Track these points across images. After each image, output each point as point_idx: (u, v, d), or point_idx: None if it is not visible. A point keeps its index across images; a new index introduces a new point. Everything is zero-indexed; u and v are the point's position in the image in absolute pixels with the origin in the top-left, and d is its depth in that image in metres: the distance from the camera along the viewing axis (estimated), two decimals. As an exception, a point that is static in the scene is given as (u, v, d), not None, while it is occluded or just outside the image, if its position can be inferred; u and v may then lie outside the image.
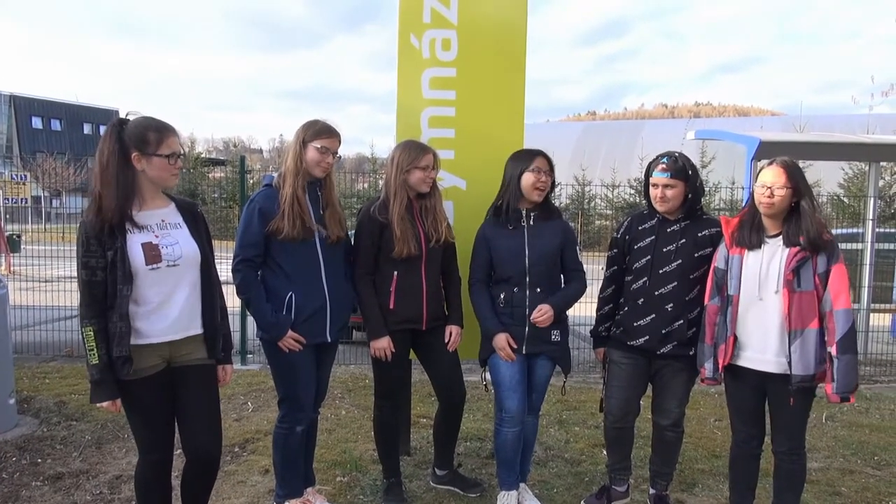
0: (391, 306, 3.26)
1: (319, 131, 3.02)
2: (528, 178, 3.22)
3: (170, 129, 2.50)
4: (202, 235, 2.65)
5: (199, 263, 2.60)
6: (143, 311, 2.45)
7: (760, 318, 2.86)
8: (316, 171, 3.03)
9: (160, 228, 2.53)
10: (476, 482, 3.67)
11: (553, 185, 3.34)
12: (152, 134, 2.44)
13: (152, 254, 2.45)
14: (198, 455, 2.66)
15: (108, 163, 2.40)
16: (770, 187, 2.79)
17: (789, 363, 2.77)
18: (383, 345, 3.25)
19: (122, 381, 2.43)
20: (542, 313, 3.17)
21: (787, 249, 2.79)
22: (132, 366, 2.42)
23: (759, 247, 2.86)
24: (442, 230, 3.29)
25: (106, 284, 2.39)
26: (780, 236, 2.84)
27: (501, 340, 3.20)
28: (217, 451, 2.73)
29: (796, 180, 2.78)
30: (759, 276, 2.84)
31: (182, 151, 2.56)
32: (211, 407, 2.69)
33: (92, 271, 2.38)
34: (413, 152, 3.25)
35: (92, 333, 2.37)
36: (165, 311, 2.50)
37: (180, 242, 2.54)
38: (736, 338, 2.93)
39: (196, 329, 2.60)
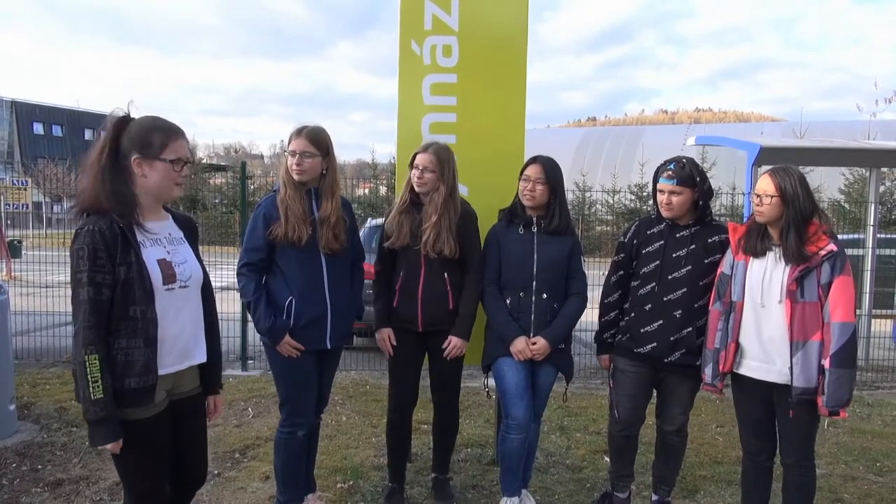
0: (394, 304, 3.34)
1: (289, 136, 3.05)
2: (520, 187, 3.26)
3: (177, 131, 2.24)
4: (198, 253, 2.44)
5: (202, 284, 2.39)
6: None
7: (763, 326, 2.83)
8: (293, 175, 3.01)
9: (169, 243, 2.28)
10: (447, 496, 3.57)
11: (554, 194, 3.26)
12: (157, 135, 2.18)
13: (168, 272, 2.20)
14: (189, 485, 2.50)
15: (97, 158, 2.14)
16: (760, 196, 2.78)
17: (791, 375, 2.75)
18: (383, 335, 3.35)
19: (128, 420, 2.13)
20: (538, 348, 3.18)
21: None
22: (154, 396, 2.18)
23: (765, 254, 2.84)
24: (434, 242, 3.20)
25: (110, 304, 2.09)
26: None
27: (521, 343, 3.18)
28: (204, 477, 2.59)
29: (784, 190, 2.73)
30: (763, 284, 2.82)
31: (190, 158, 2.31)
32: (204, 439, 2.53)
33: (98, 288, 2.07)
34: (415, 150, 3.34)
35: (97, 362, 2.04)
36: (174, 339, 2.24)
37: (188, 261, 2.32)
38: (738, 345, 2.91)
39: (200, 358, 2.38)
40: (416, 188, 3.28)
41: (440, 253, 3.22)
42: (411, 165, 3.31)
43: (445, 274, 3.30)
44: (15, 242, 15.66)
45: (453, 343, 3.32)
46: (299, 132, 3.01)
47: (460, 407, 5.27)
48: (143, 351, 2.13)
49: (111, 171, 2.14)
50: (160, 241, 2.25)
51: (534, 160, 3.28)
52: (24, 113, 51.23)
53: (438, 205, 3.22)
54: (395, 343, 3.33)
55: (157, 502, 2.32)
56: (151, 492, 2.28)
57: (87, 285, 2.07)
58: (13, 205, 21.40)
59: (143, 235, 2.19)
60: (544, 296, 3.22)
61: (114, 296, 2.10)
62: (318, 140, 3.01)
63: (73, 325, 2.12)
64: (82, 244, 2.08)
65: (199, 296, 2.37)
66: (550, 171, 3.24)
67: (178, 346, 2.27)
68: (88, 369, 2.04)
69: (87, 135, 55.32)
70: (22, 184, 23.62)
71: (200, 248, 2.55)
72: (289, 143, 3.05)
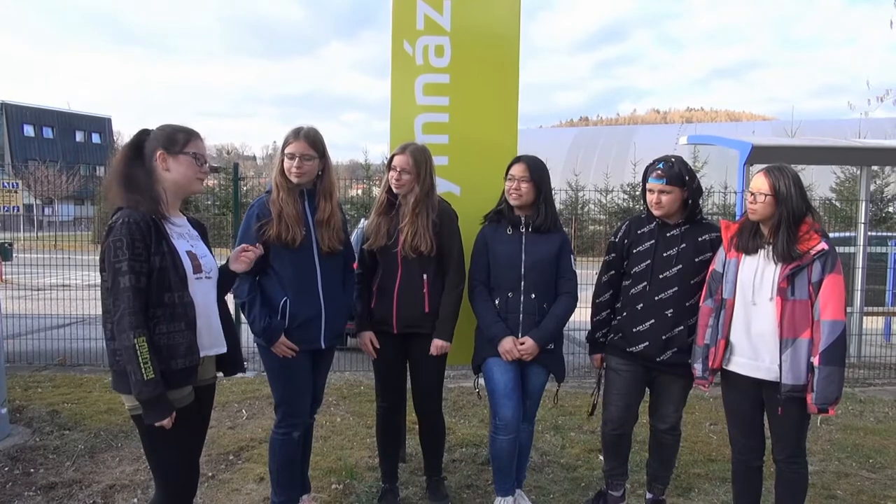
0: (372, 305, 3.35)
1: (287, 137, 3.05)
2: (505, 186, 3.26)
3: (197, 133, 2.48)
4: (211, 251, 2.60)
5: (217, 279, 2.56)
6: None
7: (754, 323, 2.84)
8: (291, 177, 3.02)
9: (190, 238, 2.46)
10: (441, 496, 3.57)
11: (538, 192, 3.24)
12: (180, 134, 2.43)
13: (195, 262, 2.38)
14: None
15: (120, 162, 2.35)
16: (754, 193, 2.81)
17: (780, 372, 2.76)
18: (364, 339, 3.35)
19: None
20: (526, 348, 3.17)
21: None
22: (197, 375, 2.36)
23: (756, 252, 2.85)
24: (412, 239, 3.19)
25: (147, 292, 2.22)
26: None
27: (508, 343, 3.17)
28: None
29: (778, 190, 2.75)
30: (754, 282, 2.83)
31: (208, 158, 2.53)
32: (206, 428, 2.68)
33: (138, 276, 2.18)
34: (393, 152, 3.33)
35: (146, 345, 2.15)
36: (206, 326, 2.41)
37: (207, 255, 2.50)
38: (728, 342, 2.93)
39: (220, 347, 2.52)
40: (395, 189, 3.28)
41: (417, 250, 3.20)
42: (389, 167, 3.30)
43: (424, 275, 3.28)
44: (6, 245, 15.56)
45: (436, 345, 3.30)
46: (297, 134, 3.01)
47: (454, 407, 5.31)
48: (185, 333, 2.28)
49: (133, 165, 2.34)
50: (184, 235, 2.43)
51: (518, 159, 3.30)
52: (15, 115, 50.93)
53: (414, 205, 3.23)
54: (377, 346, 3.33)
55: (191, 494, 2.47)
56: (189, 480, 2.45)
57: (128, 273, 2.17)
58: (4, 207, 21.26)
59: (171, 228, 2.35)
60: (533, 296, 3.22)
61: (149, 283, 2.23)
62: (315, 142, 3.03)
63: (111, 314, 2.21)
64: (119, 235, 2.19)
65: (215, 288, 2.54)
66: (535, 169, 3.24)
67: (211, 333, 2.45)
68: (138, 351, 2.15)
69: (78, 136, 55.11)
70: (12, 186, 23.50)
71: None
72: (285, 145, 3.03)
